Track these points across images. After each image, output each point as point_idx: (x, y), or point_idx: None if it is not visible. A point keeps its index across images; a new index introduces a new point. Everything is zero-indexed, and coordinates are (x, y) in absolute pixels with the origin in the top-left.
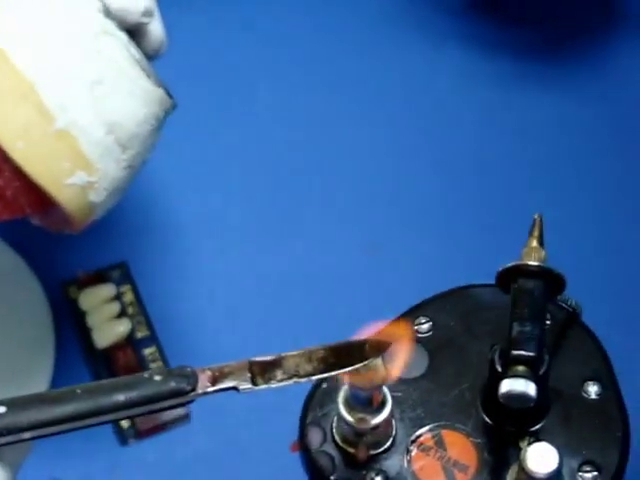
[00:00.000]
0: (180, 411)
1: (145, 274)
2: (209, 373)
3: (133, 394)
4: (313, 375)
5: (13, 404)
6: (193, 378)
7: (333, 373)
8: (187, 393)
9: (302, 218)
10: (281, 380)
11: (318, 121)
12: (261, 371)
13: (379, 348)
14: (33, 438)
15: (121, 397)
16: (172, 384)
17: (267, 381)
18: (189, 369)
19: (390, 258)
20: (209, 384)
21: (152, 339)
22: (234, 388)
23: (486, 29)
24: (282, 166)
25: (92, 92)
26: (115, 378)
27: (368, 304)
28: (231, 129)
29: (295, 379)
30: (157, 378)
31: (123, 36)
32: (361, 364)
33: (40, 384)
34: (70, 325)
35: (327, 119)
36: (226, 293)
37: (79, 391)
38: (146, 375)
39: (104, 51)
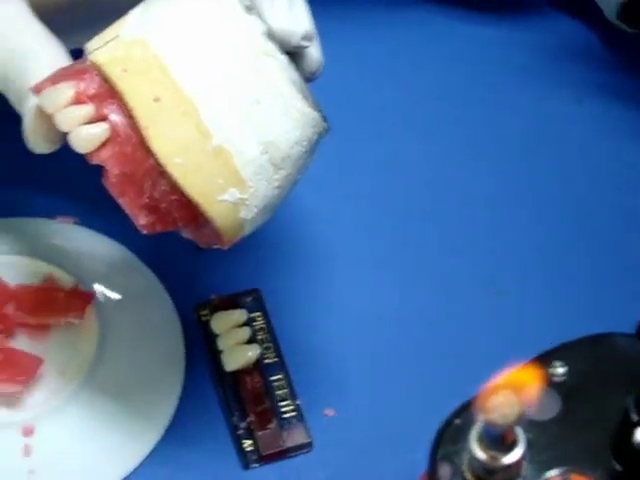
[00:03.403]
0: (303, 439)
1: (277, 302)
2: None
3: None
4: None
5: None
6: None
7: None
8: None
9: (430, 259)
10: None
11: (449, 165)
12: None
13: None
14: None
15: None
16: None
17: None
18: None
19: (517, 302)
20: None
21: (280, 366)
22: None
23: (630, 84)
24: (414, 206)
25: (249, 111)
26: None
27: (494, 348)
28: (367, 165)
29: None
30: None
31: (283, 58)
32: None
33: (169, 402)
34: (200, 347)
35: (459, 163)
36: (354, 326)
37: None
38: None
39: (263, 72)
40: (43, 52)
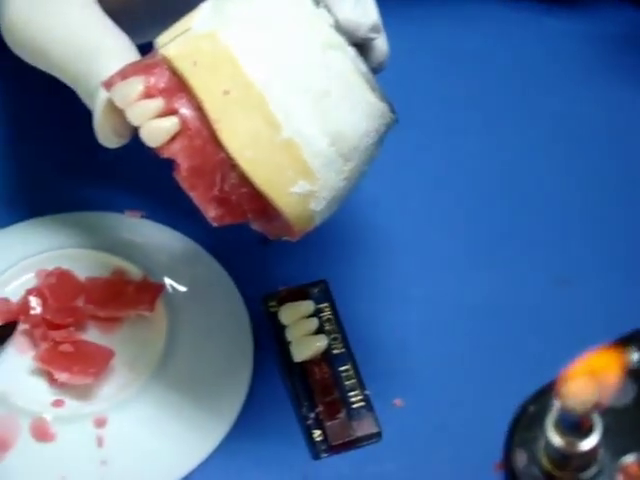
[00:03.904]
0: (372, 429)
1: (344, 293)
2: None
3: None
4: None
5: None
6: None
7: None
8: None
9: (497, 250)
10: None
11: (514, 156)
12: None
13: None
14: None
15: None
16: None
17: None
18: None
19: (582, 291)
20: None
21: (348, 357)
22: None
23: None
24: (480, 198)
25: (318, 104)
26: None
27: (564, 336)
28: (434, 156)
29: None
30: None
31: (351, 50)
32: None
33: (238, 394)
34: (268, 338)
35: (526, 155)
36: (421, 315)
37: None
38: None
39: (332, 64)
40: (112, 47)
